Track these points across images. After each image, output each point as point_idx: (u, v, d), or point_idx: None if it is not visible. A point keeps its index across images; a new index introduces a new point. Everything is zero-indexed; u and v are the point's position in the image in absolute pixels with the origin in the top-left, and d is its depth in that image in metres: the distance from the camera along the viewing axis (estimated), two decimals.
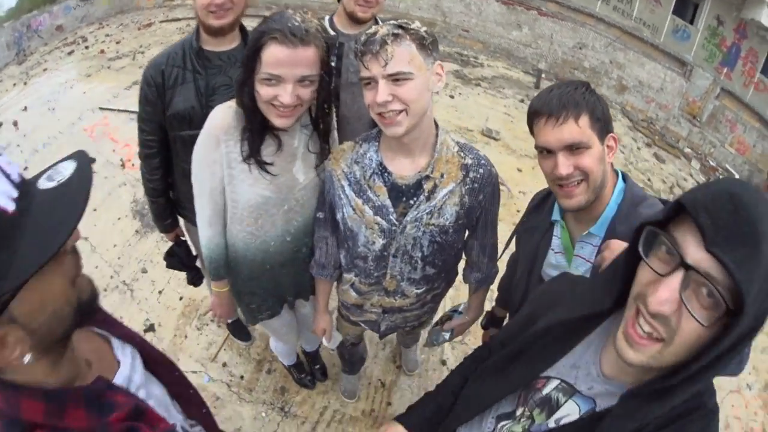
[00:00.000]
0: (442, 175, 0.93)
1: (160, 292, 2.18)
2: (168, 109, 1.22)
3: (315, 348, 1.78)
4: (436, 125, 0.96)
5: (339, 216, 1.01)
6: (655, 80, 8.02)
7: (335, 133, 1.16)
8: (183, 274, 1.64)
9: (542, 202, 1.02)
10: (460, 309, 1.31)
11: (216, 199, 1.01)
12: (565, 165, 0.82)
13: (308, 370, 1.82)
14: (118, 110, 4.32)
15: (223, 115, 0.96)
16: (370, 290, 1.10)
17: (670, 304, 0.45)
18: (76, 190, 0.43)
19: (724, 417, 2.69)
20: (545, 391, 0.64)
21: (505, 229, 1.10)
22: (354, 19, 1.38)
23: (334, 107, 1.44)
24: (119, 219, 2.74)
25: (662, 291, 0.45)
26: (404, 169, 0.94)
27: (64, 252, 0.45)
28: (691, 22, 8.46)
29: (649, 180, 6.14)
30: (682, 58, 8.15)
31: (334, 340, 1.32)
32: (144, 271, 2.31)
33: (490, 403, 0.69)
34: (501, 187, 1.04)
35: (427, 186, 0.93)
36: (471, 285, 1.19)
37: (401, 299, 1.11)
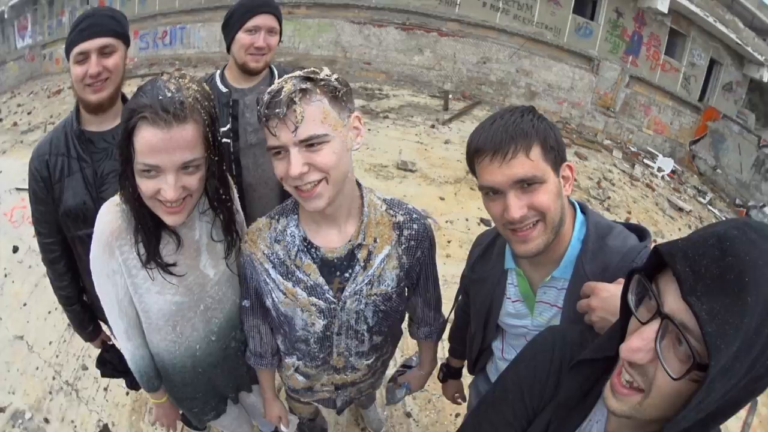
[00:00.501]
0: (375, 240, 0.85)
1: (105, 389, 2.08)
2: (60, 207, 1.09)
3: (272, 429, 1.68)
4: (359, 185, 0.88)
5: (269, 302, 0.92)
6: (564, 80, 8.27)
7: (241, 214, 1.05)
8: None
9: (488, 249, 0.93)
10: (412, 363, 1.27)
11: (127, 311, 0.90)
12: (517, 206, 0.71)
13: None
14: (17, 189, 4.06)
15: (111, 218, 0.83)
16: (317, 372, 1.02)
17: (643, 354, 0.45)
18: None
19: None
20: None
21: (438, 264, 1.01)
22: (246, 71, 1.29)
23: (234, 178, 1.29)
24: (50, 313, 2.55)
25: (635, 339, 0.45)
26: (332, 241, 0.85)
27: None
28: (592, 18, 8.85)
29: (575, 180, 6.24)
30: (587, 54, 8.48)
31: (291, 424, 1.24)
32: (84, 367, 2.21)
33: None
34: (428, 221, 0.94)
35: (361, 255, 0.85)
36: (420, 340, 1.15)
37: (352, 373, 1.04)
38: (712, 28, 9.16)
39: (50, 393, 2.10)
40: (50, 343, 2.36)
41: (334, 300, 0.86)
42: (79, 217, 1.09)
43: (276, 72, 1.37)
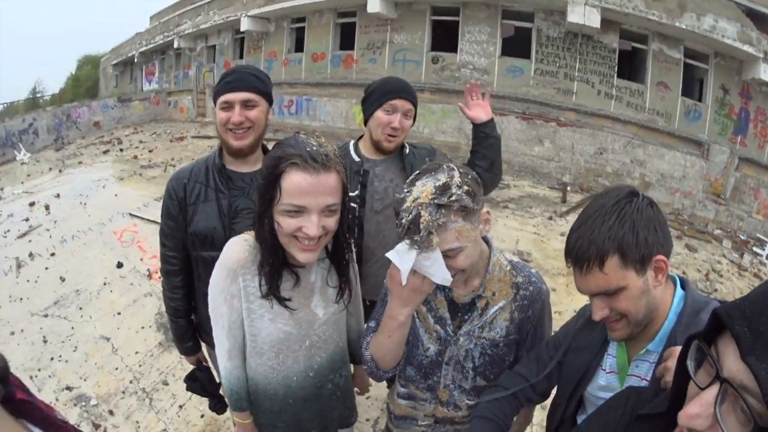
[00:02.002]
0: (493, 294, 0.99)
1: (180, 407, 2.14)
2: (189, 226, 1.19)
3: None
4: (490, 246, 1.00)
5: None
6: (676, 169, 8.21)
7: (355, 266, 1.13)
8: None
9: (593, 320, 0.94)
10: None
11: (235, 333, 0.97)
12: (599, 309, 0.77)
13: None
14: (148, 220, 4.37)
15: (239, 249, 0.92)
16: (424, 396, 1.10)
17: (702, 420, 0.41)
18: None
19: None
20: None
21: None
22: (380, 149, 1.39)
23: (355, 238, 1.37)
24: (143, 328, 2.73)
25: (693, 406, 0.42)
26: (461, 288, 0.99)
27: None
28: (700, 99, 8.78)
29: (684, 273, 6.20)
30: (697, 139, 8.37)
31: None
32: (165, 383, 2.28)
33: None
34: (544, 286, 1.05)
35: (480, 304, 0.99)
36: None
37: (454, 410, 1.11)
38: None
39: (123, 392, 2.18)
40: (136, 353, 2.46)
41: (452, 333, 1.01)
42: (207, 240, 1.17)
43: (408, 149, 1.44)
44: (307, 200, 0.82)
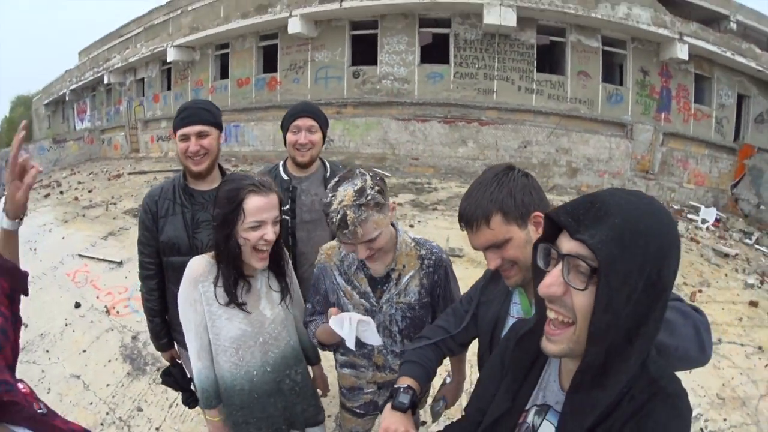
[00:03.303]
0: (403, 266, 1.20)
1: (157, 429, 2.21)
2: (160, 236, 1.39)
3: None
4: (396, 229, 1.21)
5: (333, 298, 1.25)
6: (602, 152, 8.44)
7: (291, 267, 1.34)
8: (180, 413, 1.82)
9: (496, 275, 1.04)
10: (446, 380, 1.42)
11: (201, 334, 1.16)
12: (492, 260, 0.90)
13: None
14: (98, 258, 4.46)
15: (199, 263, 1.16)
16: (362, 363, 1.30)
17: (556, 287, 0.55)
18: None
19: (765, 422, 2.65)
20: (528, 421, 0.69)
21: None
22: (297, 164, 1.59)
23: (289, 246, 1.61)
24: (109, 361, 2.80)
25: (547, 278, 0.56)
26: (376, 266, 1.19)
27: None
28: (621, 84, 9.08)
29: None
30: (621, 121, 8.65)
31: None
32: (140, 409, 2.35)
33: None
34: (444, 255, 1.26)
35: (394, 275, 1.20)
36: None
37: (390, 374, 1.30)
38: (733, 62, 9.20)
39: (101, 424, 2.22)
40: (107, 385, 2.52)
41: (375, 303, 1.22)
42: (174, 247, 1.38)
43: (329, 166, 1.67)
44: (265, 215, 1.07)
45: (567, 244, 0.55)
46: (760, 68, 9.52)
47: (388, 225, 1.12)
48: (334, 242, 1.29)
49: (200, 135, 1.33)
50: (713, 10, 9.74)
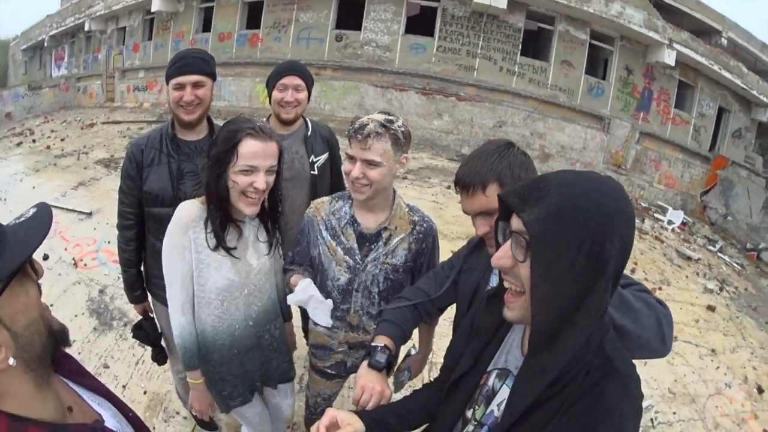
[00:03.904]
0: (396, 227, 1.21)
1: (124, 386, 2.22)
2: (144, 185, 1.35)
3: None
4: (395, 191, 1.23)
5: (315, 252, 1.25)
6: (576, 141, 8.52)
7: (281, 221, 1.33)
8: (146, 370, 1.84)
9: (480, 244, 1.09)
10: (411, 352, 1.43)
11: (187, 285, 1.11)
12: (481, 225, 0.93)
13: None
14: (68, 209, 4.35)
15: (189, 207, 1.10)
16: (336, 324, 1.27)
17: (504, 259, 0.60)
18: (40, 220, 0.56)
19: (711, 419, 2.86)
20: (489, 384, 0.72)
21: None
22: (281, 121, 1.58)
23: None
24: (76, 316, 2.76)
25: (498, 251, 0.62)
26: (369, 222, 1.20)
27: (33, 271, 0.56)
28: (604, 78, 9.15)
29: None
30: (599, 113, 8.74)
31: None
32: (106, 366, 2.36)
33: (452, 418, 0.77)
34: (435, 225, 1.30)
35: (385, 235, 1.20)
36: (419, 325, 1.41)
37: (363, 334, 1.29)
38: (718, 76, 9.39)
39: None
40: (74, 341, 2.47)
41: (360, 261, 1.21)
42: (158, 198, 1.36)
43: (310, 125, 1.67)
44: (258, 161, 1.03)
45: (514, 221, 0.60)
46: (745, 86, 9.75)
47: (392, 171, 1.12)
48: (324, 197, 1.28)
49: (196, 85, 1.30)
50: (707, 24, 9.86)
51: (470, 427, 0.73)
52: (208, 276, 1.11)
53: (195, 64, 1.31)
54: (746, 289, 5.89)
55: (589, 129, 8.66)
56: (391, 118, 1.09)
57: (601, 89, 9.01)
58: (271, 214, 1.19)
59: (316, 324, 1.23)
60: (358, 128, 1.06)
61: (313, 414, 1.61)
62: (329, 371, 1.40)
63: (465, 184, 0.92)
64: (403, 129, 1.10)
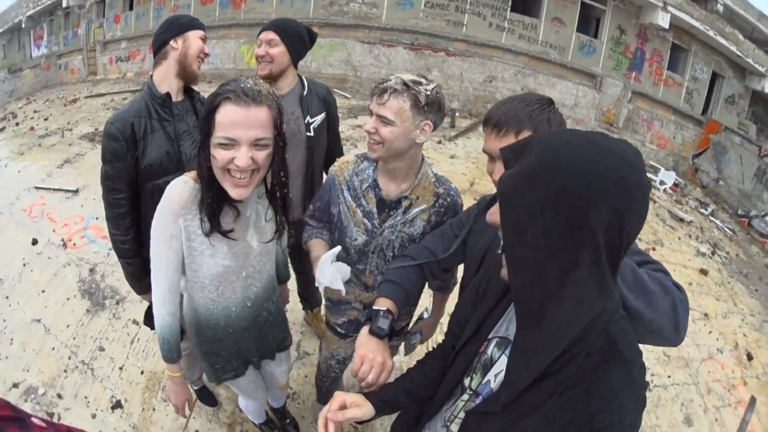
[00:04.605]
0: (417, 198, 1.17)
1: (120, 368, 2.19)
2: (142, 160, 1.26)
3: (282, 403, 1.79)
4: (423, 159, 1.18)
5: (335, 210, 1.23)
6: (567, 98, 8.43)
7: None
8: (142, 348, 1.84)
9: (492, 204, 1.02)
10: (424, 315, 1.44)
11: (171, 275, 0.99)
12: (499, 172, 0.84)
13: (279, 426, 1.83)
14: (54, 189, 4.26)
15: (180, 190, 0.94)
16: (352, 280, 1.26)
17: (496, 215, 0.57)
18: None
19: (704, 384, 2.92)
20: (488, 352, 0.69)
21: None
22: (264, 77, 1.50)
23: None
24: (68, 299, 2.70)
25: (492, 207, 0.60)
26: (391, 188, 1.17)
27: None
28: (595, 36, 9.03)
29: None
30: (590, 71, 8.64)
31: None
32: (101, 348, 2.32)
33: (452, 385, 0.75)
34: (460, 199, 1.25)
35: (405, 203, 1.17)
36: (434, 291, 1.42)
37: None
38: (713, 41, 9.28)
39: (65, 371, 2.16)
40: (68, 326, 2.45)
41: (378, 226, 1.18)
42: (162, 167, 1.28)
43: (306, 84, 1.60)
44: (238, 132, 0.85)
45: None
46: (740, 54, 9.63)
47: (406, 135, 1.05)
48: (350, 156, 1.25)
49: (204, 39, 1.34)
50: None
51: (465, 396, 0.71)
52: (201, 263, 1.00)
53: (194, 22, 1.33)
54: (737, 255, 5.91)
55: (581, 86, 8.57)
56: (419, 79, 1.03)
57: (593, 47, 8.89)
58: (275, 196, 1.03)
59: (356, 264, 1.23)
60: (380, 83, 1.03)
61: (324, 377, 1.58)
62: (342, 330, 1.38)
63: (498, 122, 0.86)
64: (428, 93, 1.02)
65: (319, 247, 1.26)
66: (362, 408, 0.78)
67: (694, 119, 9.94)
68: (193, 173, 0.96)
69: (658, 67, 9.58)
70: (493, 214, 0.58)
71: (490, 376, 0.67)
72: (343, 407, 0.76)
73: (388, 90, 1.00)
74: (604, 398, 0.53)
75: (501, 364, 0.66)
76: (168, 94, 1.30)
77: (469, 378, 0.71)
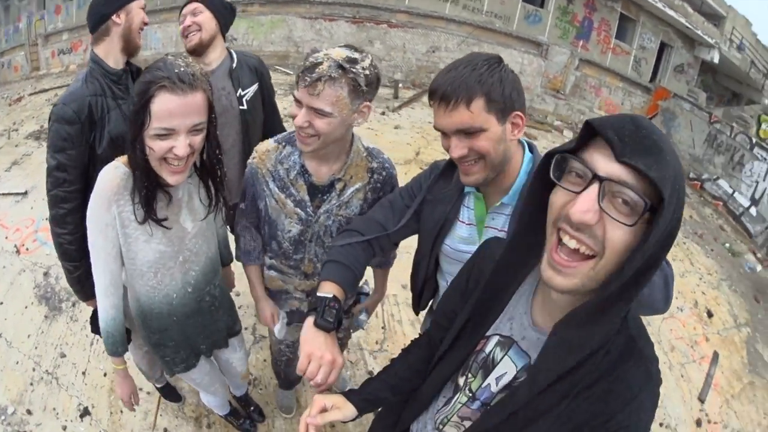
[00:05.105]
0: (351, 177, 1.09)
1: (83, 373, 2.18)
2: (99, 144, 1.17)
3: (244, 392, 1.82)
4: (353, 136, 1.08)
5: (261, 205, 1.14)
6: (513, 66, 8.17)
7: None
8: (101, 350, 1.78)
9: (447, 172, 0.96)
10: (364, 290, 1.40)
11: (111, 266, 0.98)
12: (458, 147, 0.80)
13: (244, 414, 1.85)
14: (2, 194, 4.06)
15: (112, 177, 0.92)
16: (290, 272, 1.22)
17: (592, 213, 0.47)
18: None
19: (666, 342, 3.02)
20: (487, 350, 0.64)
21: None
22: (190, 53, 1.46)
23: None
24: (26, 307, 2.66)
25: (581, 202, 0.47)
26: (322, 172, 1.07)
27: None
28: (542, 6, 9.22)
29: None
30: (536, 40, 8.84)
31: (281, 324, 1.32)
32: (63, 355, 2.30)
33: (441, 382, 0.71)
34: (395, 171, 1.19)
35: (339, 186, 1.08)
36: (374, 268, 1.37)
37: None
38: (662, 13, 9.52)
39: (31, 384, 2.14)
40: (28, 336, 2.42)
41: (312, 214, 1.10)
42: (120, 149, 1.12)
43: (235, 56, 1.54)
44: (176, 122, 0.83)
45: (608, 166, 0.46)
46: (689, 26, 9.87)
47: (345, 123, 0.94)
48: (269, 143, 1.11)
49: (144, 8, 1.28)
50: None
51: (463, 398, 0.67)
52: (137, 250, 0.99)
53: None
54: (691, 216, 6.05)
55: (527, 54, 8.77)
56: (354, 56, 0.89)
57: (538, 16, 9.09)
58: (212, 173, 1.02)
59: (291, 257, 1.19)
60: (309, 67, 0.87)
61: (278, 361, 1.56)
62: (285, 320, 1.34)
63: (445, 94, 0.77)
64: (367, 72, 0.90)
65: (255, 279, 1.26)
66: (343, 409, 0.74)
67: (643, 86, 10.25)
68: (124, 158, 0.94)
69: (606, 36, 9.85)
70: (588, 212, 0.47)
71: (491, 380, 0.63)
72: (323, 410, 0.73)
73: (321, 78, 0.86)
74: (624, 398, 0.50)
75: (504, 367, 0.61)
76: (124, 70, 1.23)
77: (465, 377, 0.67)
